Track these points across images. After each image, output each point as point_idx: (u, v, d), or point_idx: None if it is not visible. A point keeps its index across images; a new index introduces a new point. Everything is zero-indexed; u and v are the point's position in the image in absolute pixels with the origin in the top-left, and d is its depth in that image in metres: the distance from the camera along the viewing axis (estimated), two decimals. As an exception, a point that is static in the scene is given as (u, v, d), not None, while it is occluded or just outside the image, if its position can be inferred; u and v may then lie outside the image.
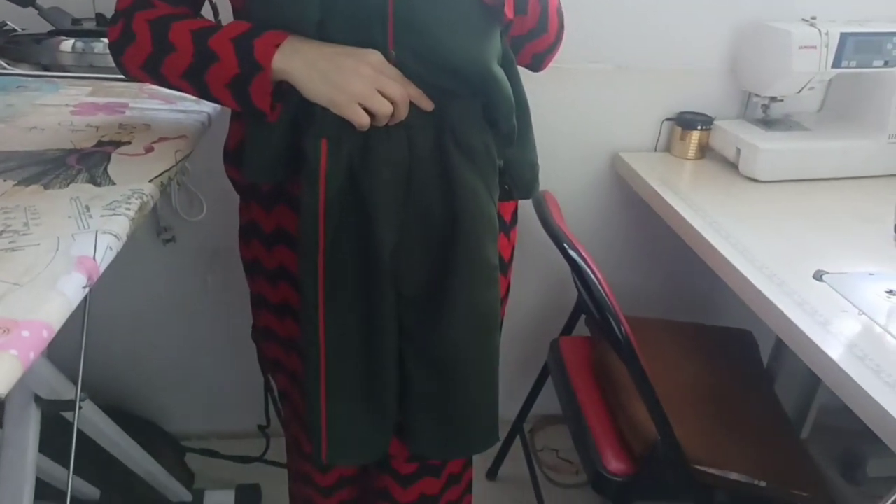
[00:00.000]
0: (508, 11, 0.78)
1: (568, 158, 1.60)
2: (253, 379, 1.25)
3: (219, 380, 1.74)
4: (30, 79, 1.06)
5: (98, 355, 1.32)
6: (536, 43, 0.90)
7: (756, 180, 1.44)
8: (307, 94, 0.75)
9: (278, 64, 0.74)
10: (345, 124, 0.75)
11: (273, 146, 0.79)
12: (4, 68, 1.10)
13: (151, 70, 0.82)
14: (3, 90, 0.99)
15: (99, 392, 1.17)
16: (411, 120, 0.77)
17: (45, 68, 1.13)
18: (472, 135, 0.80)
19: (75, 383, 0.93)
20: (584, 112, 1.56)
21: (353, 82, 0.73)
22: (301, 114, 0.78)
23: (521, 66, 0.91)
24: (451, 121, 0.79)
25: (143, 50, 0.81)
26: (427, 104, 0.78)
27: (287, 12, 0.75)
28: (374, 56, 0.75)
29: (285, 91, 0.77)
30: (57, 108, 0.94)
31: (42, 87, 1.02)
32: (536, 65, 0.95)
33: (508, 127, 0.83)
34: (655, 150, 1.62)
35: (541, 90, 1.48)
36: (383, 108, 0.74)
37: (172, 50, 0.79)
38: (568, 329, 1.52)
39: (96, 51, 1.14)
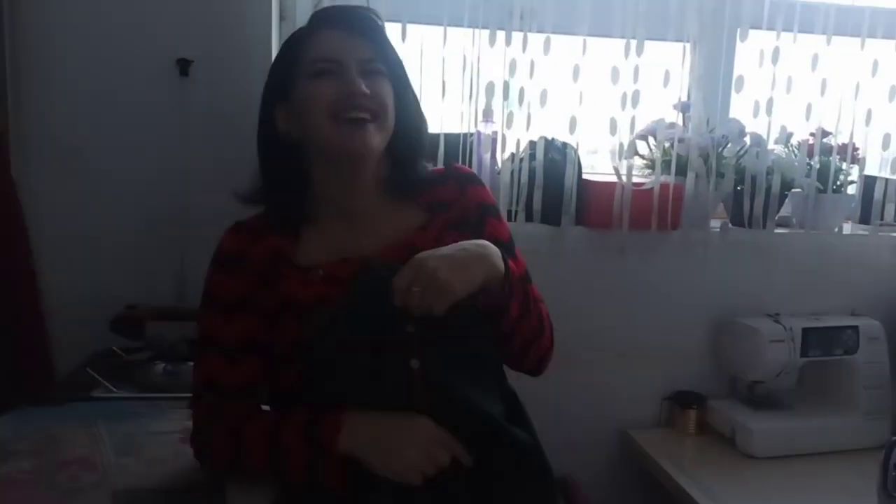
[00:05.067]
0: (514, 310, 0.98)
1: (581, 437, 1.77)
2: None
3: None
4: (136, 402, 1.27)
5: None
6: (539, 345, 1.09)
7: (753, 456, 1.61)
8: (372, 468, 0.87)
9: (344, 446, 0.87)
10: (400, 485, 0.86)
11: None
12: (112, 391, 1.31)
13: (236, 468, 0.96)
14: (120, 417, 1.19)
15: None
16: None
17: (142, 387, 1.35)
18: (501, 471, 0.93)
19: None
20: (592, 394, 1.78)
21: (412, 455, 0.86)
22: (360, 479, 0.88)
23: (527, 371, 1.12)
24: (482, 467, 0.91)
25: (225, 457, 0.97)
26: (466, 460, 0.89)
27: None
28: (426, 429, 0.88)
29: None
30: (168, 435, 1.13)
31: (149, 411, 1.22)
32: (539, 367, 1.14)
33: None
34: (659, 426, 1.81)
35: (553, 377, 1.72)
36: (432, 471, 0.87)
37: (250, 453, 0.94)
38: None
39: (183, 371, 1.37)
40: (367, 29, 1.02)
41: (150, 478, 0.98)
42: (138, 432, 1.13)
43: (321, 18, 1.04)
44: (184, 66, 1.53)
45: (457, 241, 0.97)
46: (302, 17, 1.66)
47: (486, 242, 0.96)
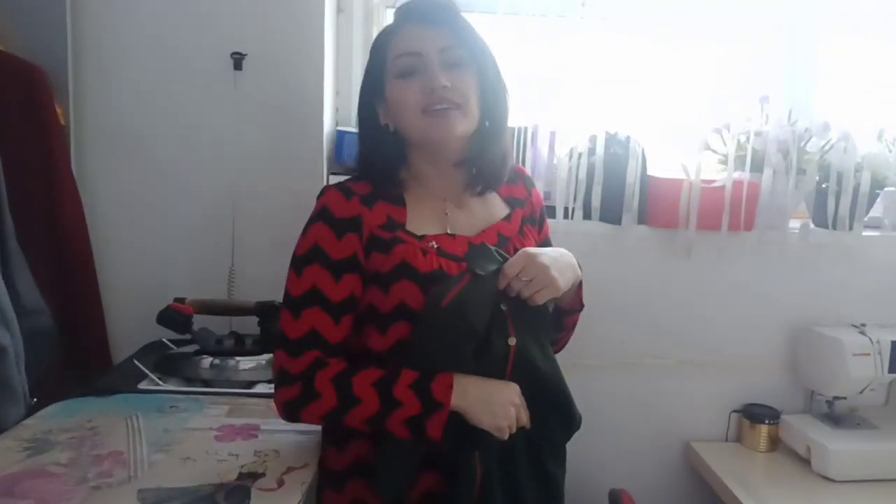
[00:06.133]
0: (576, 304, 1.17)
1: (641, 447, 1.68)
2: None
3: None
4: (179, 396, 1.27)
5: None
6: (569, 337, 1.25)
7: (830, 479, 1.47)
8: (476, 422, 0.97)
9: (455, 402, 0.96)
10: (488, 437, 0.98)
11: (408, 465, 1.00)
12: (157, 384, 1.33)
13: (332, 420, 1.00)
14: (160, 411, 1.19)
15: None
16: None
17: (189, 381, 1.36)
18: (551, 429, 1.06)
19: None
20: (654, 403, 1.68)
21: (509, 412, 0.98)
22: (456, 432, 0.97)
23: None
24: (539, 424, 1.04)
25: (328, 405, 0.99)
26: (527, 424, 1.02)
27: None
28: (517, 392, 1.01)
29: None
30: (203, 432, 1.12)
31: (189, 406, 1.22)
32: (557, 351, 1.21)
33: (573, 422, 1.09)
34: (727, 440, 1.69)
35: (613, 383, 1.64)
36: (515, 427, 1.00)
37: (358, 402, 0.98)
38: None
39: (230, 366, 1.37)
40: (445, 18, 1.07)
41: (178, 476, 0.97)
42: (175, 428, 1.13)
43: (402, 14, 1.09)
44: (238, 60, 1.53)
45: (533, 236, 1.18)
46: (360, 10, 1.64)
47: (569, 252, 1.10)
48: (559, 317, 1.18)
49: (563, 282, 1.03)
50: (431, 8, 1.07)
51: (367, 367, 1.02)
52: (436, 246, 1.06)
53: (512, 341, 1.02)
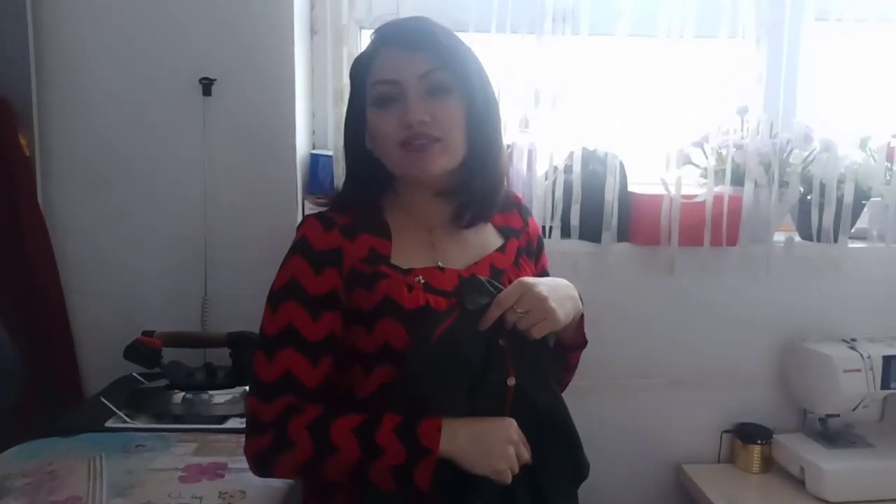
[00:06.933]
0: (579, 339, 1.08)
1: (631, 471, 1.63)
2: None
3: None
4: (146, 434, 1.23)
5: None
6: (571, 376, 1.18)
7: (825, 500, 1.42)
8: (470, 467, 0.88)
9: (444, 446, 0.87)
10: (487, 483, 0.89)
11: None
12: (125, 421, 1.28)
13: (308, 472, 0.91)
14: (125, 451, 1.15)
15: None
16: None
17: (160, 417, 1.31)
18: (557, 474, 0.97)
19: None
20: (643, 425, 1.63)
21: (507, 452, 0.89)
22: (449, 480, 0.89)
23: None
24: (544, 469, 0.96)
25: (303, 455, 0.89)
26: (529, 460, 0.93)
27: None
28: (513, 427, 0.92)
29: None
30: (167, 472, 1.08)
31: (156, 444, 1.18)
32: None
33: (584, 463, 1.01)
34: (719, 462, 1.64)
35: (600, 406, 1.59)
36: (517, 468, 0.91)
37: (336, 451, 0.88)
38: None
39: (202, 400, 1.32)
40: (425, 40, 0.98)
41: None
42: (138, 469, 1.09)
43: (380, 37, 1.02)
44: (207, 85, 1.50)
45: (530, 268, 1.12)
46: (334, 30, 1.61)
47: (568, 283, 1.03)
48: (562, 354, 1.08)
49: (563, 313, 0.95)
50: (410, 30, 0.99)
51: (348, 412, 0.93)
52: (422, 281, 0.99)
53: (511, 381, 0.93)
